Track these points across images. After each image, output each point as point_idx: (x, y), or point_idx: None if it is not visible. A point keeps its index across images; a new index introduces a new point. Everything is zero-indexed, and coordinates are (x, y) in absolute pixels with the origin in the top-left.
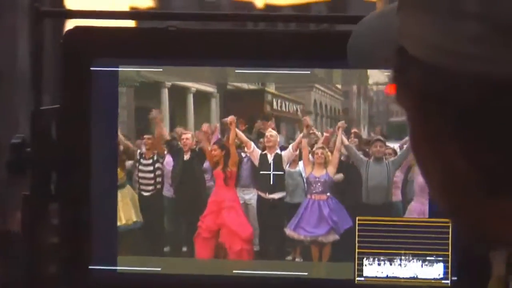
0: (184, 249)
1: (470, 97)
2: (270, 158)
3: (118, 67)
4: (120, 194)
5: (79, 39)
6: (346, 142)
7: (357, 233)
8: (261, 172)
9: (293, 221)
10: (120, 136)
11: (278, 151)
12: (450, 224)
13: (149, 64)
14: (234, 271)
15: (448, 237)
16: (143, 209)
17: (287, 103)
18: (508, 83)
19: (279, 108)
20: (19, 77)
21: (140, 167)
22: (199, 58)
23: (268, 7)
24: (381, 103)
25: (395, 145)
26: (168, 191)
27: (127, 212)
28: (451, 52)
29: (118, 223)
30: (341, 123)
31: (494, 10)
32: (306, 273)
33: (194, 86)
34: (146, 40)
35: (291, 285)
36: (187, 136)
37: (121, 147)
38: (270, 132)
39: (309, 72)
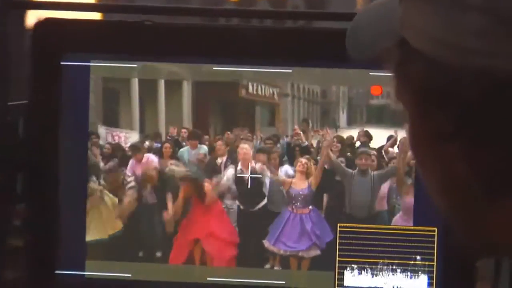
0: (158, 254)
1: (471, 92)
2: (247, 178)
3: (89, 62)
4: (100, 204)
5: (49, 32)
6: (332, 157)
7: (338, 241)
8: (240, 187)
9: (273, 234)
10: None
11: (253, 163)
12: (436, 233)
13: (122, 60)
14: (208, 278)
15: (434, 247)
16: (121, 214)
17: (263, 86)
18: (510, 78)
19: (254, 92)
20: None
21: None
22: (175, 55)
23: (243, 0)
24: (362, 85)
25: (378, 134)
26: (145, 197)
27: (111, 222)
28: (453, 46)
29: (102, 236)
30: (327, 143)
31: (496, 3)
32: (283, 282)
33: (168, 83)
34: (120, 35)
35: None
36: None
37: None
38: (243, 147)
39: (290, 70)
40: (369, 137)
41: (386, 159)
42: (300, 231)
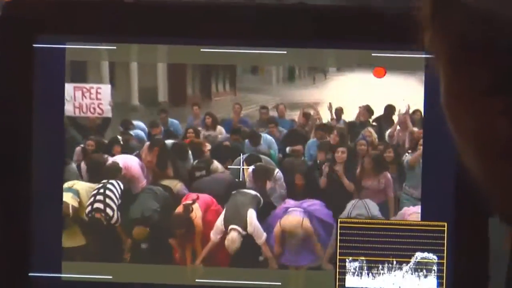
0: (142, 254)
1: None
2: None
3: (65, 44)
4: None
5: (20, 12)
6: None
7: (338, 237)
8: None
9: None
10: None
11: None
12: (445, 228)
13: (101, 41)
14: (196, 280)
15: (444, 243)
16: None
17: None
18: None
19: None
20: None
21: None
22: (159, 35)
23: None
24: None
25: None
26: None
27: None
28: None
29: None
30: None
31: None
32: (279, 283)
33: (150, 65)
34: (98, 14)
35: None
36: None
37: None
38: None
39: (285, 52)
40: (370, 112)
41: (387, 141)
42: (301, 245)
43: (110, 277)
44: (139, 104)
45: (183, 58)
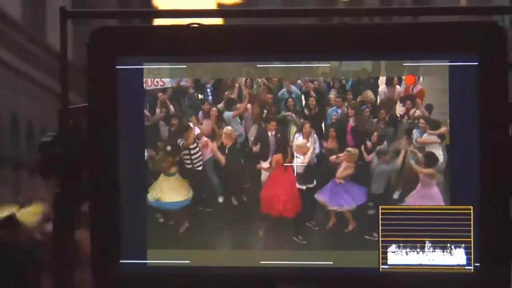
0: (215, 241)
1: None
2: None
3: (142, 65)
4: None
5: (104, 39)
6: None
7: (380, 222)
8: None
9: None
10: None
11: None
12: (471, 211)
13: (172, 61)
14: (261, 262)
15: (470, 224)
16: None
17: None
18: None
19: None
20: None
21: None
22: (221, 54)
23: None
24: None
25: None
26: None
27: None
28: None
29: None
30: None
31: None
32: (331, 262)
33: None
34: (169, 38)
35: (317, 274)
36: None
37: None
38: None
39: (328, 64)
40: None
41: None
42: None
43: (188, 261)
44: None
45: (243, 73)
